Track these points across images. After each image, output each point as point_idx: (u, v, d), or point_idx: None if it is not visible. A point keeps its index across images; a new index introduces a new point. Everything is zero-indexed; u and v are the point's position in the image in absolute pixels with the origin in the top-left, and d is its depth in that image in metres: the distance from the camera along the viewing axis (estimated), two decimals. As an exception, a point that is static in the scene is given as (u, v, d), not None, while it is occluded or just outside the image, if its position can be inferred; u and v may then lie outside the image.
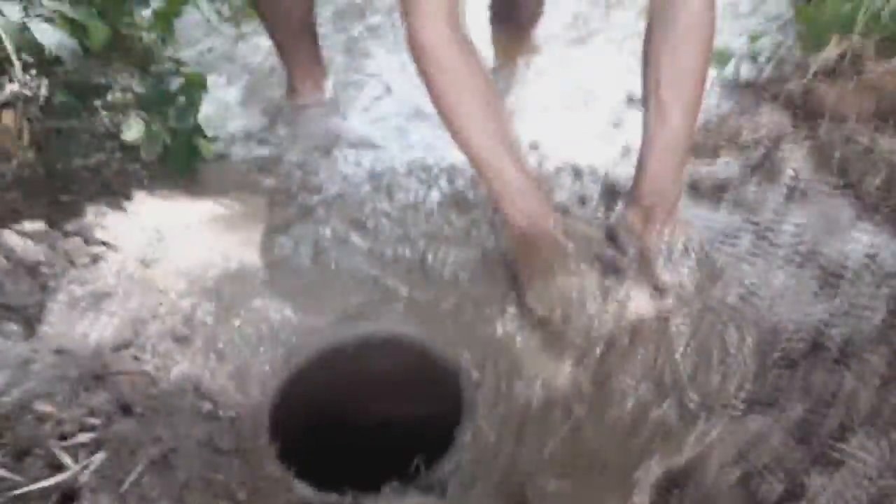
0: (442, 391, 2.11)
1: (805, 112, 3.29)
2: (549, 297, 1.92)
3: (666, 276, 2.05)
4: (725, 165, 3.08)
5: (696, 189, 2.92)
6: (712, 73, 3.43)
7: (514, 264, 2.13)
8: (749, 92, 3.48)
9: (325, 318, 2.26)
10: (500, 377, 2.03)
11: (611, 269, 1.95)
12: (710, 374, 1.90)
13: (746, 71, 3.55)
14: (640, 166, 2.01)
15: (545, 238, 1.90)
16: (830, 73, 3.32)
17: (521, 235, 1.96)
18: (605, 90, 3.44)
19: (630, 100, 3.36)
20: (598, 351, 2.03)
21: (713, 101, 3.42)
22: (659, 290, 2.00)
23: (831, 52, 3.32)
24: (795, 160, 3.01)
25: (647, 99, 2.07)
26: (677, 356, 1.95)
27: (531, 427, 1.89)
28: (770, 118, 3.33)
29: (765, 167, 2.98)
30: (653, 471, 1.68)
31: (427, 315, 2.24)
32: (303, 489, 1.81)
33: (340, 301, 2.31)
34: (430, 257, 2.44)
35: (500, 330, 2.14)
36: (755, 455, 1.59)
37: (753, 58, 3.60)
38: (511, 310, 2.17)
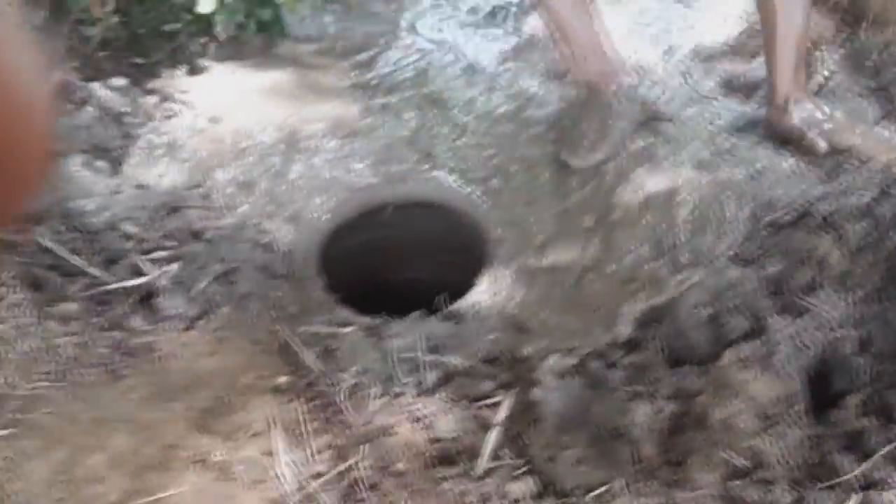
0: (467, 245, 2.38)
1: (851, 16, 3.33)
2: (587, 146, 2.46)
3: (822, 143, 2.42)
4: (761, 66, 3.17)
5: (729, 85, 3.04)
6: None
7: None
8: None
9: (370, 179, 2.53)
10: (520, 236, 2.29)
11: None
12: (704, 237, 2.11)
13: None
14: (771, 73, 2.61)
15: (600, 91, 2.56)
16: (879, -23, 3.32)
17: (585, 85, 2.61)
18: None
19: None
20: (610, 217, 2.27)
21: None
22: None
23: (882, -45, 3.31)
24: (832, 62, 3.09)
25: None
26: (679, 222, 2.17)
27: (542, 276, 2.15)
28: (815, 22, 3.38)
29: (799, 67, 3.07)
30: (637, 307, 1.92)
31: (461, 182, 2.50)
32: (342, 312, 2.11)
33: (383, 166, 2.57)
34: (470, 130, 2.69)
35: (525, 197, 2.40)
36: (727, 299, 1.80)
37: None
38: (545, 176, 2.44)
